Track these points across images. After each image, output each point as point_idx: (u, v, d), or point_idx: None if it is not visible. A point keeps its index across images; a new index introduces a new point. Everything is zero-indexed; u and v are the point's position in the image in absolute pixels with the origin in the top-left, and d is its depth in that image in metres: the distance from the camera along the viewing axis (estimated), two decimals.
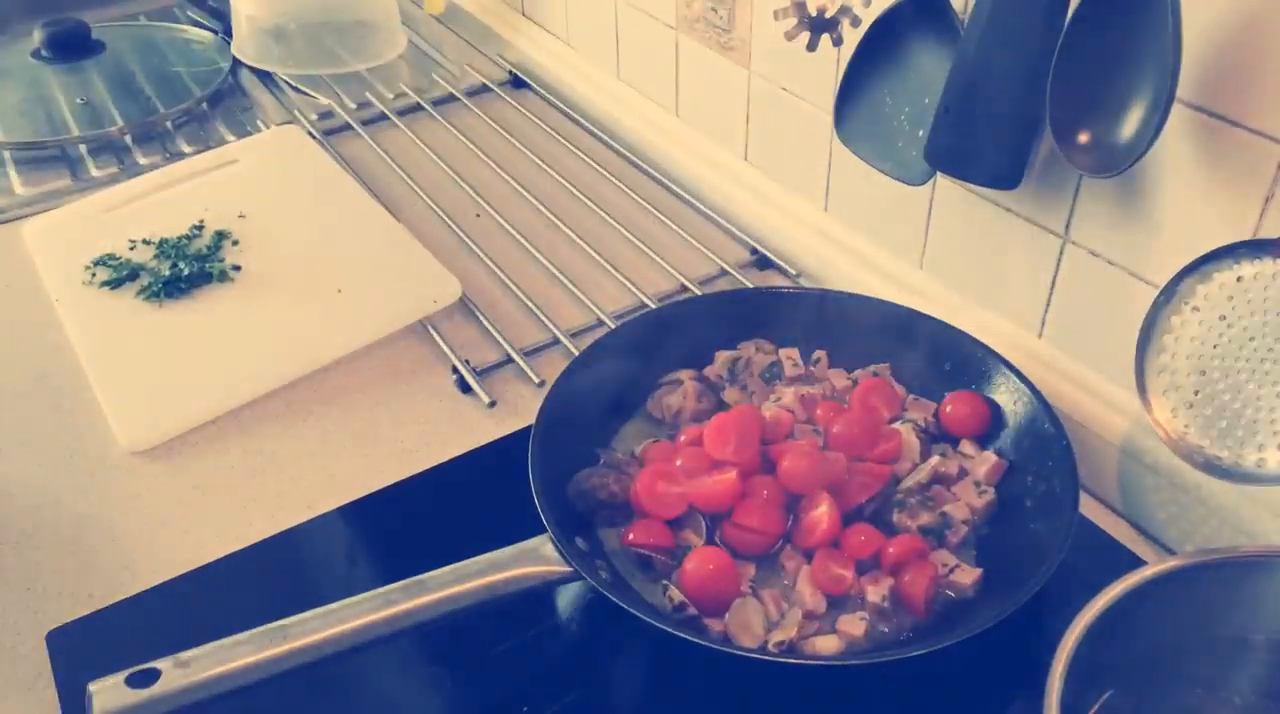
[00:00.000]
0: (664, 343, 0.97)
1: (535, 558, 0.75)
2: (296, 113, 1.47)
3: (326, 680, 0.74)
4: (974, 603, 0.78)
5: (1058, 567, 0.73)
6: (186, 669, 0.65)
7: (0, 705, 0.76)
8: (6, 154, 1.39)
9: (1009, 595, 0.73)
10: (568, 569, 0.74)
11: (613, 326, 1.06)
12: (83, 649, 0.79)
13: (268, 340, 1.06)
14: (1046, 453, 0.83)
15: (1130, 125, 0.75)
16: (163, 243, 1.18)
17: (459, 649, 0.79)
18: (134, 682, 0.64)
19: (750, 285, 1.13)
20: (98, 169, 1.37)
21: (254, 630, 0.68)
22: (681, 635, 0.71)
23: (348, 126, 1.44)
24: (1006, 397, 0.89)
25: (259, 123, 1.44)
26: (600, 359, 0.93)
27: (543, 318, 1.10)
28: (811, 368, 0.97)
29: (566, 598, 0.82)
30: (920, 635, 0.76)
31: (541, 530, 0.76)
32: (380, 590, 0.71)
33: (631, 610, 0.72)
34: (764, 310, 0.99)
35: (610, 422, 0.93)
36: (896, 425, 0.90)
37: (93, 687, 0.64)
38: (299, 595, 0.81)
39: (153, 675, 0.65)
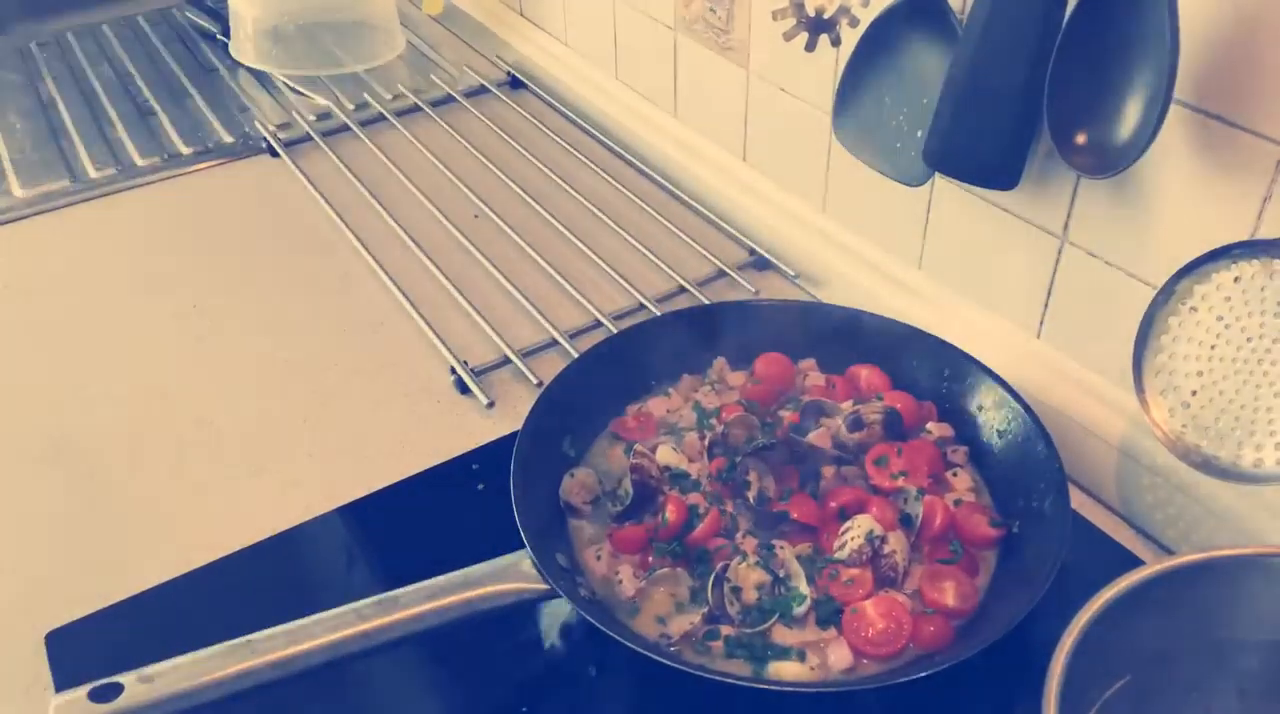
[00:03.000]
0: (649, 356, 0.97)
1: (513, 575, 0.74)
2: (294, 114, 1.47)
3: (326, 680, 0.74)
4: (968, 623, 0.78)
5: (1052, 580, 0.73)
6: (150, 684, 0.65)
7: (0, 705, 0.76)
8: (5, 156, 1.39)
9: (998, 616, 0.73)
10: (545, 587, 0.74)
11: (610, 327, 1.06)
12: (82, 649, 0.79)
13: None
14: (1039, 475, 0.83)
15: (1128, 126, 0.75)
16: None
17: (458, 649, 0.79)
18: (96, 696, 0.64)
19: (749, 286, 1.13)
20: (96, 171, 1.37)
21: (220, 645, 0.68)
22: (661, 661, 0.71)
23: (346, 127, 1.44)
24: (1001, 415, 0.89)
25: (257, 124, 1.44)
26: (582, 373, 0.93)
27: (541, 318, 1.10)
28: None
29: (563, 601, 0.82)
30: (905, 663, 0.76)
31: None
32: (352, 606, 0.71)
33: (609, 633, 0.71)
34: (754, 322, 0.99)
35: (595, 435, 0.93)
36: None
37: (54, 701, 0.64)
38: (298, 596, 0.81)
39: (116, 690, 0.64)
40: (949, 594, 0.78)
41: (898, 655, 0.75)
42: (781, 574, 0.78)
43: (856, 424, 0.88)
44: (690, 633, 0.76)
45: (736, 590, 0.77)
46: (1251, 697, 0.70)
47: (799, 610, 0.76)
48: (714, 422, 0.91)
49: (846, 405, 0.91)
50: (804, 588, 0.77)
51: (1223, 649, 0.70)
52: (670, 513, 0.83)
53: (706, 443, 0.89)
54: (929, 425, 0.90)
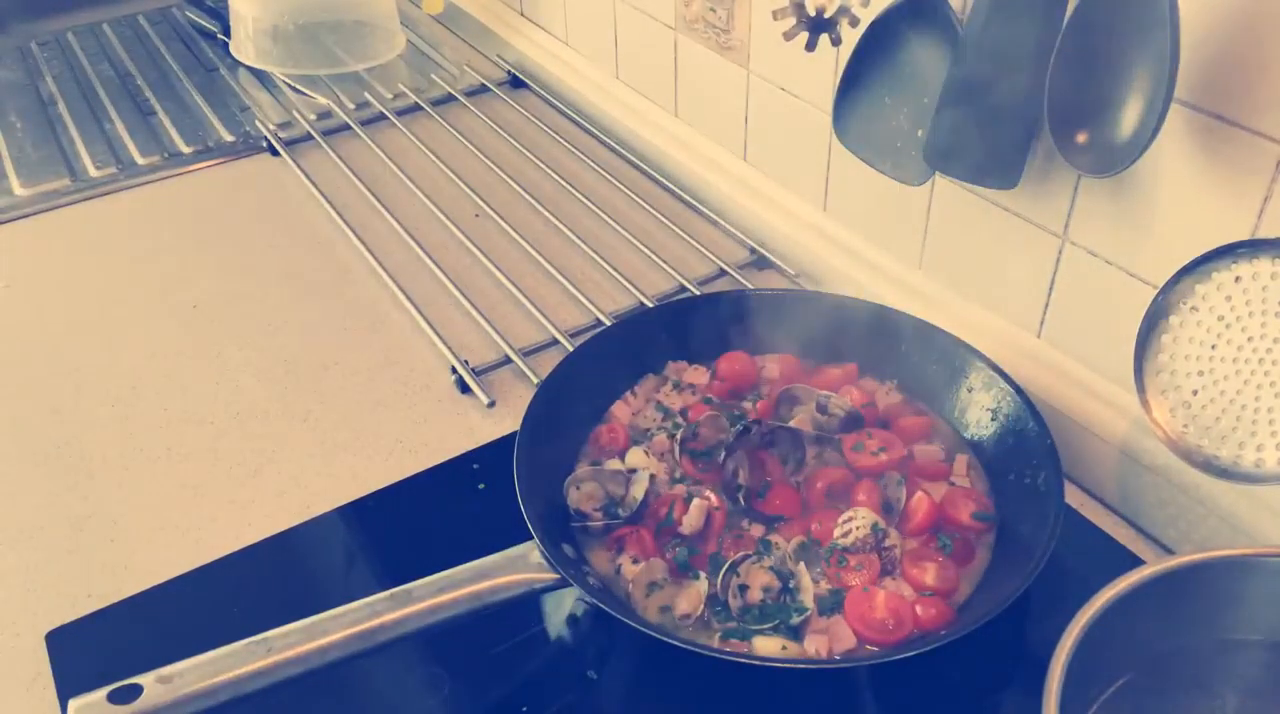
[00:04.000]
0: (650, 346, 0.98)
1: (523, 565, 0.74)
2: (295, 113, 1.47)
3: (327, 679, 0.74)
4: (965, 603, 0.78)
5: (1053, 565, 0.73)
6: (169, 685, 0.65)
7: (0, 705, 0.76)
8: (6, 155, 1.39)
9: (997, 595, 0.73)
10: (555, 576, 0.74)
11: (609, 324, 1.06)
12: (83, 649, 0.79)
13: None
14: (1031, 451, 0.84)
15: (1128, 125, 0.75)
16: None
17: (458, 650, 0.79)
18: (116, 698, 0.64)
19: (749, 285, 1.13)
20: (96, 170, 1.37)
21: (237, 644, 0.68)
22: (673, 642, 0.71)
23: (346, 127, 1.44)
24: (991, 396, 0.89)
25: (257, 123, 1.44)
26: (586, 362, 0.93)
27: (541, 318, 1.10)
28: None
29: (563, 599, 0.82)
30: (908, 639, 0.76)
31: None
32: (366, 601, 0.71)
33: (620, 617, 0.72)
34: (750, 311, 1.00)
35: (597, 424, 0.93)
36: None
37: (74, 703, 0.64)
38: (299, 596, 0.81)
39: (135, 691, 0.64)
40: (929, 574, 0.79)
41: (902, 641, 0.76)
42: (791, 584, 0.78)
43: (822, 410, 0.90)
44: (688, 614, 0.77)
45: (743, 587, 0.78)
46: (1252, 696, 0.70)
47: (796, 621, 0.76)
48: (680, 421, 0.92)
49: (822, 394, 0.93)
50: (808, 601, 0.77)
51: (1223, 649, 0.70)
52: (678, 512, 0.83)
53: (679, 439, 0.89)
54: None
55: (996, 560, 0.81)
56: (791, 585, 0.78)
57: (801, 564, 0.80)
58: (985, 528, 0.83)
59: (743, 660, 0.73)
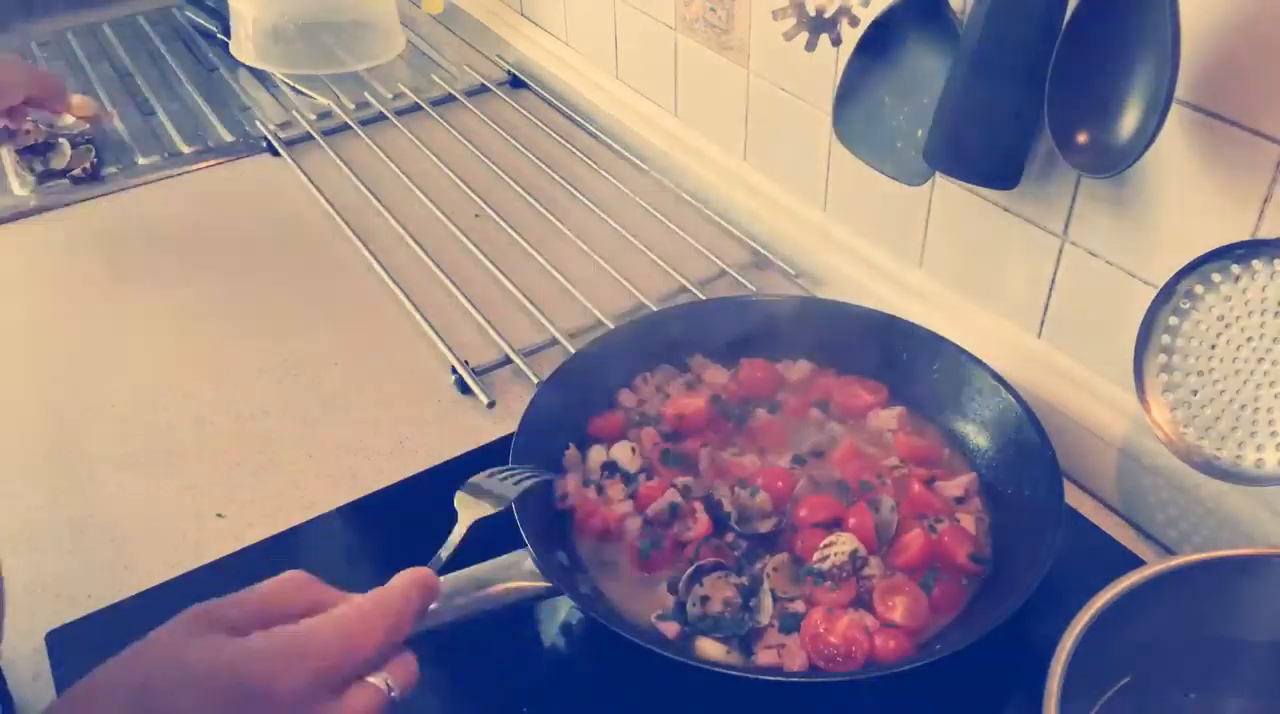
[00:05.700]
0: (653, 348, 0.97)
1: (516, 573, 0.74)
2: (295, 113, 1.47)
3: None
4: (963, 613, 0.78)
5: (1053, 570, 0.73)
6: None
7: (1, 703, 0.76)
8: (6, 155, 1.39)
9: (992, 609, 0.73)
10: (547, 584, 0.74)
11: (610, 326, 1.06)
12: (83, 649, 0.79)
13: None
14: (1031, 463, 0.83)
15: (1129, 125, 0.75)
16: None
17: (457, 650, 0.78)
18: None
19: (749, 286, 1.13)
20: None
21: None
22: (664, 654, 0.71)
23: (346, 127, 1.44)
24: (992, 405, 0.89)
25: (257, 123, 1.44)
26: (580, 369, 0.93)
27: (541, 318, 1.10)
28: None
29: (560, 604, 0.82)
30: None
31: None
32: None
33: (613, 628, 0.72)
34: (750, 319, 0.99)
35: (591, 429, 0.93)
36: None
37: None
38: None
39: None
40: (898, 610, 0.77)
41: (858, 671, 0.74)
42: (753, 603, 0.77)
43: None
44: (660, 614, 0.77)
45: (704, 598, 0.77)
46: (1252, 697, 0.70)
47: (743, 632, 0.76)
48: (668, 423, 0.91)
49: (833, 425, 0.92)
50: (764, 620, 0.76)
51: (1223, 649, 0.70)
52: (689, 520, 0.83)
53: (658, 437, 0.89)
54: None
55: (994, 571, 0.80)
56: (752, 604, 0.77)
57: (767, 585, 0.78)
58: (978, 570, 0.81)
59: (731, 673, 0.72)
